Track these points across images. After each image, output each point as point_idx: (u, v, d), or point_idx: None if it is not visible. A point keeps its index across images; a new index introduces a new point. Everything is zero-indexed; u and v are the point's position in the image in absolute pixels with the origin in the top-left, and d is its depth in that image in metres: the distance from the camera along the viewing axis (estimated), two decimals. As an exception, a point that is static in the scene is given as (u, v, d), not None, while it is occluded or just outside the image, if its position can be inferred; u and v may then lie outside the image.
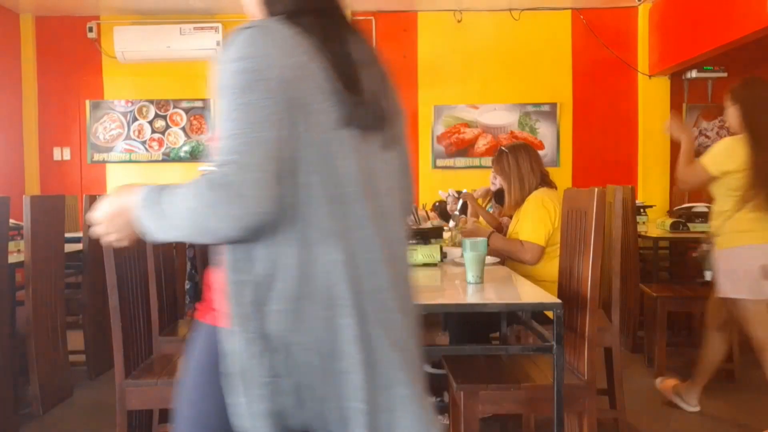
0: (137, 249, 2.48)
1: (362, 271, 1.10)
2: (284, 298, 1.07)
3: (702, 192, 5.37)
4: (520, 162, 3.12)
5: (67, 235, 3.67)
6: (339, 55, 1.13)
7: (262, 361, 1.06)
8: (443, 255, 2.71)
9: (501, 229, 3.49)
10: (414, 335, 1.26)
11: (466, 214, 3.63)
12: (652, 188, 6.14)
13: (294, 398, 1.08)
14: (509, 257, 3.03)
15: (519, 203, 3.10)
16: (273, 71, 1.04)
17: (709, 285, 3.20)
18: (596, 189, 2.24)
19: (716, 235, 3.04)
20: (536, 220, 2.96)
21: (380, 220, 1.15)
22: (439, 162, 6.29)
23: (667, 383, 3.39)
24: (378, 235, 1.13)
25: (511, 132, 6.26)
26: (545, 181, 3.14)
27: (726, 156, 3.00)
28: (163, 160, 6.28)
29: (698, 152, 6.61)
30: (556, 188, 3.18)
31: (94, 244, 3.47)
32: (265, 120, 1.01)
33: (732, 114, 3.04)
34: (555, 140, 6.25)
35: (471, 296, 2.08)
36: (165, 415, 2.56)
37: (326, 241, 1.07)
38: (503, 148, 3.25)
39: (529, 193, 3.09)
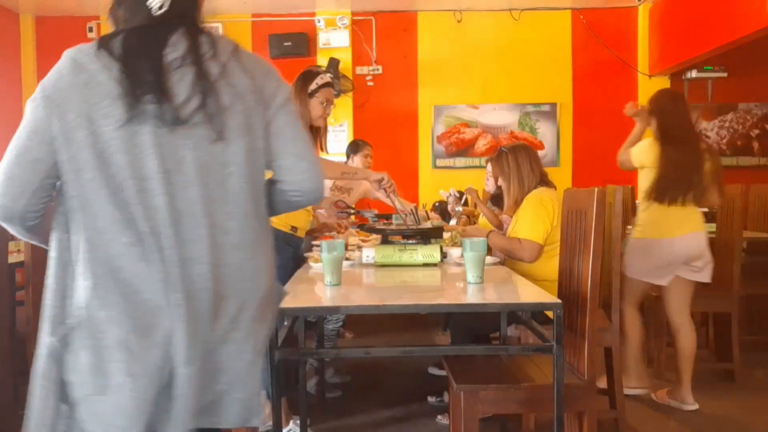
0: None
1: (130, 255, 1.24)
2: (82, 276, 1.24)
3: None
4: (520, 162, 3.12)
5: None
6: (132, 64, 1.27)
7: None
8: (443, 255, 2.71)
9: (501, 227, 3.49)
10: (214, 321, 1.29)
11: (446, 219, 3.64)
12: (652, 188, 6.13)
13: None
14: (508, 255, 3.04)
15: (519, 203, 3.11)
16: (43, 93, 1.36)
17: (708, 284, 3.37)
18: (596, 189, 2.24)
19: (635, 224, 3.48)
20: (534, 219, 2.97)
21: (177, 208, 1.26)
22: (439, 162, 6.30)
23: (660, 394, 3.42)
24: (162, 221, 1.25)
25: (511, 132, 6.27)
26: (544, 181, 3.15)
27: (643, 152, 3.42)
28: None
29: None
30: (555, 188, 3.18)
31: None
32: (23, 142, 1.35)
33: (652, 121, 3.47)
34: (555, 140, 6.25)
35: (471, 296, 2.08)
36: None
37: (111, 228, 1.23)
38: (503, 148, 3.25)
39: (528, 192, 3.09)
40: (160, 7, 1.32)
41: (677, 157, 3.26)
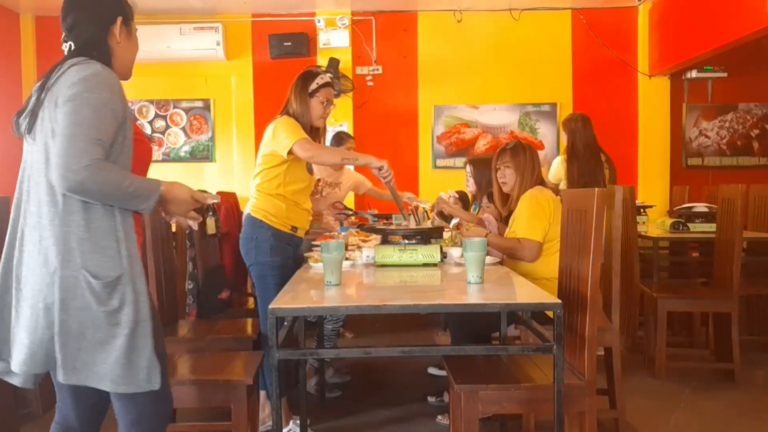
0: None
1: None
2: None
3: (702, 192, 5.39)
4: (535, 161, 3.13)
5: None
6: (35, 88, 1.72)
7: None
8: (443, 255, 2.71)
9: (484, 226, 3.48)
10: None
11: (446, 220, 3.64)
12: (652, 188, 6.14)
13: None
14: (509, 256, 3.04)
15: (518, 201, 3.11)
16: None
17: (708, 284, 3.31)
18: (596, 189, 2.24)
19: None
20: (531, 217, 2.97)
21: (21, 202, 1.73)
22: (439, 162, 6.30)
23: None
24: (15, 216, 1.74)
25: (511, 132, 6.27)
26: (542, 183, 3.16)
27: (556, 170, 4.44)
28: (163, 160, 6.27)
29: (698, 152, 6.63)
30: (549, 189, 3.19)
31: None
32: None
33: (564, 139, 4.50)
34: (555, 140, 6.25)
35: (471, 296, 2.08)
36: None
37: None
38: (519, 141, 3.23)
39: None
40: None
41: (582, 170, 4.22)
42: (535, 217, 2.96)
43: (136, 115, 6.23)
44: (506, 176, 3.15)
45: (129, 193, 1.61)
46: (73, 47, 1.72)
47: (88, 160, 1.54)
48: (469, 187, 4.09)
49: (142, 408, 1.72)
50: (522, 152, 3.13)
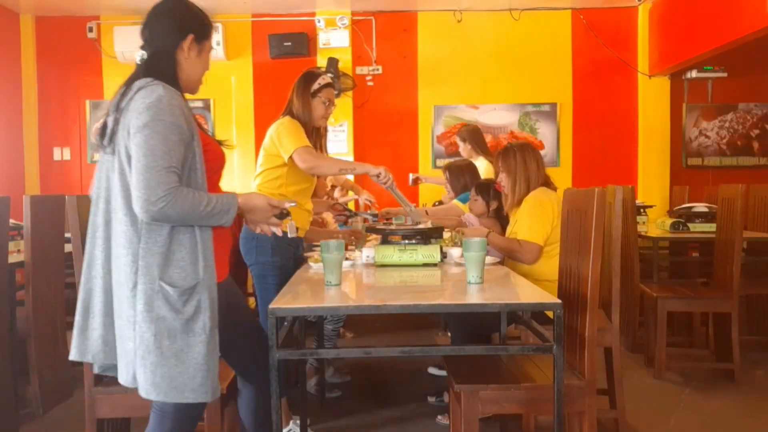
0: None
1: None
2: None
3: (702, 192, 5.39)
4: (527, 160, 3.10)
5: (67, 235, 3.67)
6: None
7: None
8: (443, 255, 2.71)
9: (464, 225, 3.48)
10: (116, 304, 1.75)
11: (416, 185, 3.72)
12: (652, 188, 6.14)
13: None
14: (508, 256, 3.03)
15: (521, 202, 3.10)
16: None
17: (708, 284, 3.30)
18: (596, 189, 2.24)
19: None
20: (534, 220, 2.96)
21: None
22: (439, 162, 6.29)
23: None
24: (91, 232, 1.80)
25: (511, 132, 6.27)
26: (547, 183, 3.13)
27: (485, 174, 4.34)
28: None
29: (698, 152, 6.63)
30: (555, 190, 3.17)
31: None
32: None
33: (464, 148, 4.67)
34: (555, 140, 6.25)
35: (471, 296, 2.07)
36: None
37: None
38: (511, 144, 3.23)
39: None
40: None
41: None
42: (538, 220, 2.95)
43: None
44: (503, 180, 3.16)
45: (207, 213, 1.70)
46: (144, 57, 1.82)
47: (163, 191, 1.63)
48: (449, 194, 4.11)
49: (184, 408, 1.80)
50: (512, 155, 3.12)
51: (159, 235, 1.69)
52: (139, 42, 1.87)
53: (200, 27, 1.86)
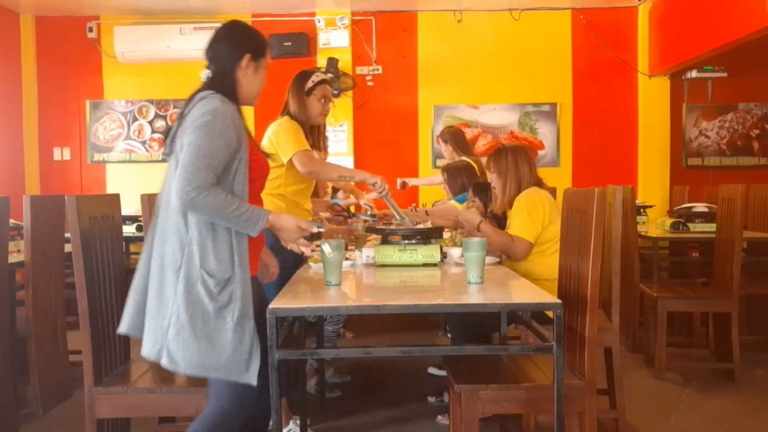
0: (112, 249, 2.40)
1: None
2: None
3: (702, 192, 5.39)
4: (519, 162, 3.11)
5: (67, 235, 3.67)
6: None
7: None
8: (443, 255, 2.71)
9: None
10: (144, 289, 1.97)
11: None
12: (652, 188, 6.14)
13: None
14: (499, 250, 3.03)
15: (511, 204, 3.10)
16: None
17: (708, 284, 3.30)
18: (596, 189, 2.24)
19: None
20: (525, 218, 2.98)
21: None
22: (439, 162, 6.28)
23: None
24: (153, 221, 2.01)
25: (511, 132, 6.27)
26: (539, 185, 3.15)
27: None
28: (163, 160, 6.26)
29: (698, 152, 6.63)
30: (548, 191, 3.19)
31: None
32: None
33: (446, 149, 4.66)
34: (555, 140, 6.25)
35: (471, 296, 2.07)
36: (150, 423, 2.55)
37: None
38: (504, 146, 3.26)
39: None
40: None
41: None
42: (529, 217, 2.96)
43: (136, 114, 6.24)
44: (493, 181, 3.19)
45: (235, 216, 1.87)
46: (209, 75, 2.06)
47: (197, 184, 1.83)
48: (447, 194, 4.15)
49: (229, 393, 1.93)
50: (503, 156, 3.14)
51: (204, 230, 1.89)
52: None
53: (256, 47, 2.07)
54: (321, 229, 2.06)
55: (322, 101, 2.98)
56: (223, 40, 2.08)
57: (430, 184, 5.29)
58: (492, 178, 3.19)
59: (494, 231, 3.05)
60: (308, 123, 2.97)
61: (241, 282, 1.89)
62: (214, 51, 2.08)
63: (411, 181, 5.20)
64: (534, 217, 2.96)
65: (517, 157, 3.12)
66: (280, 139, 2.88)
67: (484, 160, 4.06)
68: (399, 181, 5.03)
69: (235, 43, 2.06)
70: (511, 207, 3.09)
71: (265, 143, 2.94)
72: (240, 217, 1.87)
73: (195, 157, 1.85)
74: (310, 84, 2.96)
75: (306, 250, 2.05)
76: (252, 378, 1.87)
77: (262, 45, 2.09)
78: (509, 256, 3.00)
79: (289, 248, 2.07)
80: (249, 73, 2.06)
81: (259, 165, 2.06)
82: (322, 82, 2.99)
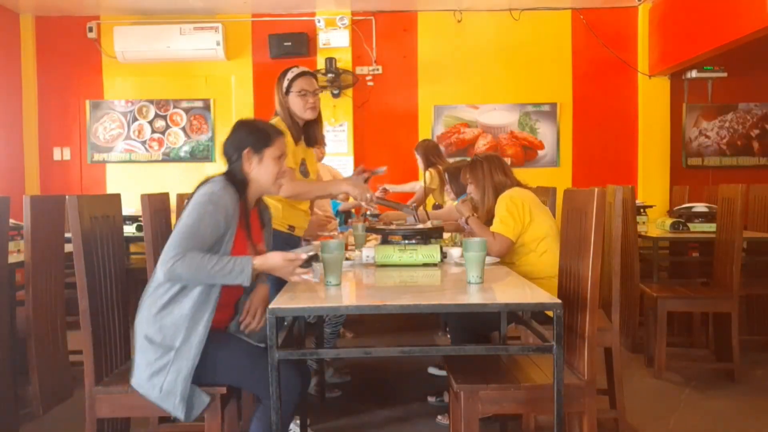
0: (113, 248, 2.40)
1: None
2: None
3: (702, 192, 5.39)
4: (493, 170, 3.22)
5: (67, 235, 3.67)
6: None
7: None
8: (443, 255, 2.71)
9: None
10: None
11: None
12: (652, 188, 6.14)
13: None
14: None
15: (491, 211, 3.17)
16: None
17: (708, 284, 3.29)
18: (596, 189, 2.24)
19: None
20: (505, 216, 3.05)
21: None
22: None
23: None
24: None
25: (511, 132, 6.27)
26: (519, 186, 3.23)
27: (429, 182, 4.70)
28: (163, 160, 6.28)
29: (698, 152, 6.63)
30: (530, 190, 3.23)
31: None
32: None
33: (419, 160, 4.89)
34: (555, 140, 6.25)
35: (471, 296, 2.07)
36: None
37: None
38: (477, 156, 3.37)
39: None
40: None
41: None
42: (509, 215, 3.05)
43: (136, 114, 6.24)
44: (472, 192, 3.32)
45: (216, 271, 1.96)
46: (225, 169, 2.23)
47: (174, 252, 1.95)
48: (448, 195, 4.21)
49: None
50: (478, 167, 3.26)
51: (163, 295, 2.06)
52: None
53: (256, 139, 2.19)
54: (311, 253, 2.07)
55: (304, 94, 2.91)
56: (227, 139, 2.24)
57: (411, 190, 5.29)
58: (470, 189, 3.32)
59: (479, 227, 3.16)
60: (296, 122, 2.95)
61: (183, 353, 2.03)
62: (225, 151, 2.24)
63: (392, 188, 5.21)
64: (514, 215, 3.05)
65: (491, 166, 3.24)
66: None
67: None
68: (380, 188, 5.02)
69: (236, 141, 2.20)
70: (491, 213, 3.17)
71: None
72: (222, 271, 1.96)
73: (181, 232, 2.00)
74: (286, 82, 2.92)
75: (308, 278, 2.05)
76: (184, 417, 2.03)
77: (264, 137, 2.20)
78: (489, 252, 3.01)
79: (292, 281, 2.11)
80: (254, 165, 2.18)
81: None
82: (299, 76, 2.93)
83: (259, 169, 2.18)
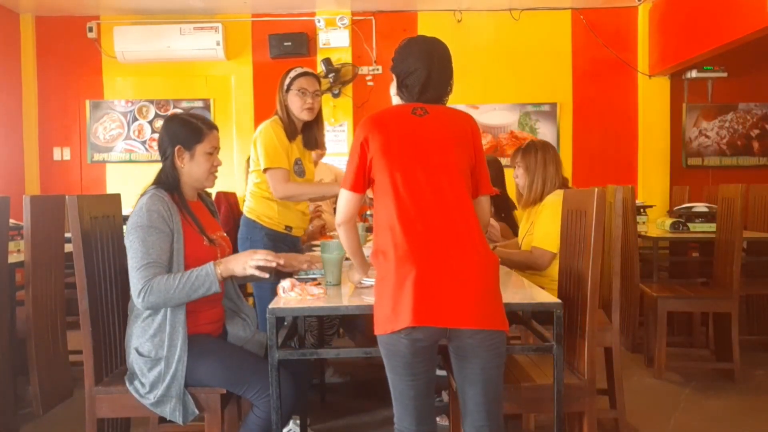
0: (113, 248, 2.40)
1: None
2: None
3: (702, 192, 5.38)
4: (547, 162, 3.04)
5: (67, 235, 3.67)
6: None
7: None
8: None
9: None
10: None
11: None
12: (652, 188, 6.14)
13: None
14: (523, 269, 2.98)
15: (536, 202, 3.05)
16: None
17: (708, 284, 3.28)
18: (596, 189, 2.24)
19: None
20: (552, 227, 2.87)
21: None
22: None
23: None
24: None
25: (511, 132, 6.27)
26: (564, 185, 3.08)
27: None
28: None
29: (698, 152, 6.63)
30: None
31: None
32: None
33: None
34: (555, 140, 6.25)
35: (471, 296, 2.07)
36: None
37: None
38: (533, 142, 3.16)
39: (549, 193, 3.02)
40: None
41: None
42: (554, 226, 2.83)
43: (136, 114, 6.24)
44: (518, 175, 3.11)
45: (185, 288, 2.00)
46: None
47: (137, 289, 2.00)
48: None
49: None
50: (533, 153, 3.05)
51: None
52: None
53: (186, 136, 2.18)
54: (273, 264, 2.08)
55: (303, 94, 2.93)
56: (160, 135, 2.24)
57: None
58: (518, 173, 3.12)
59: (507, 255, 2.98)
60: (294, 122, 2.96)
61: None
62: (158, 146, 2.24)
63: None
64: (558, 226, 2.82)
65: (546, 156, 3.05)
66: (258, 147, 2.91)
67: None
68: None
69: (167, 138, 2.20)
70: (534, 204, 3.05)
71: (252, 146, 2.97)
72: (192, 287, 2.00)
73: (133, 263, 2.02)
74: (287, 81, 2.96)
75: (267, 263, 2.06)
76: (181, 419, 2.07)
77: (195, 132, 2.18)
78: (533, 269, 2.96)
79: (246, 272, 2.08)
80: (186, 161, 2.18)
81: (197, 247, 2.13)
82: (301, 75, 2.96)
83: (191, 165, 2.18)
